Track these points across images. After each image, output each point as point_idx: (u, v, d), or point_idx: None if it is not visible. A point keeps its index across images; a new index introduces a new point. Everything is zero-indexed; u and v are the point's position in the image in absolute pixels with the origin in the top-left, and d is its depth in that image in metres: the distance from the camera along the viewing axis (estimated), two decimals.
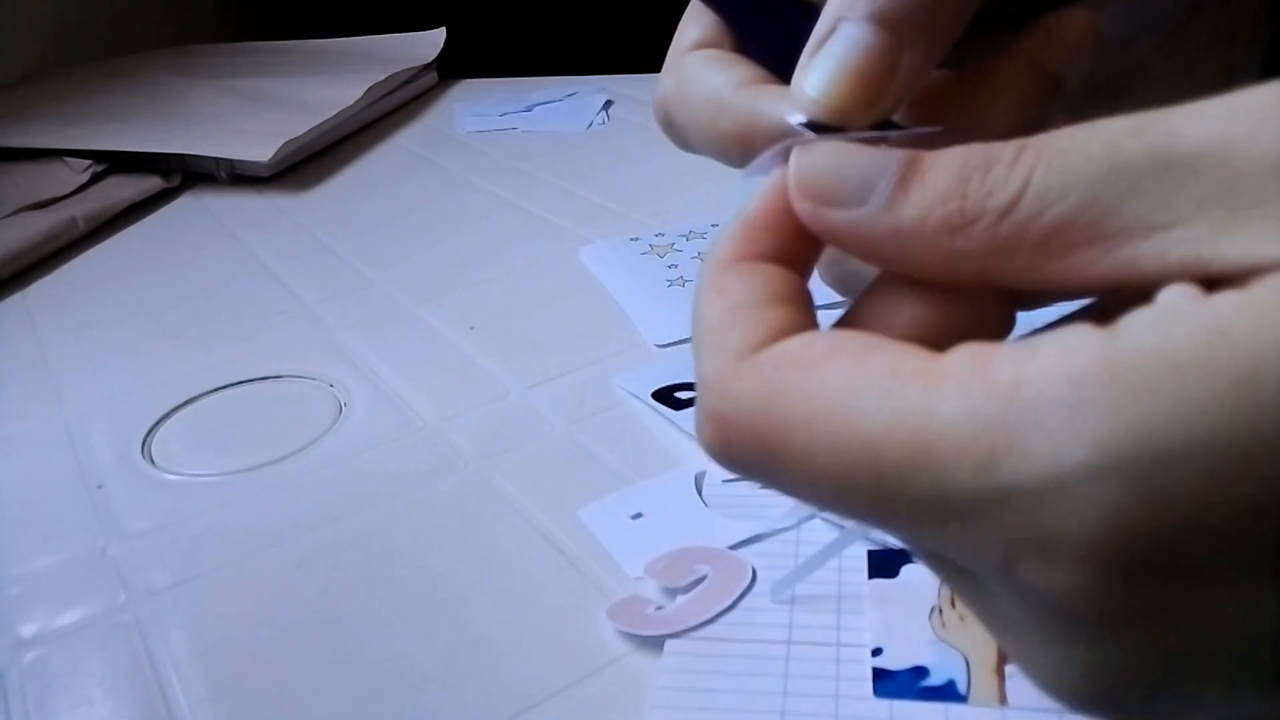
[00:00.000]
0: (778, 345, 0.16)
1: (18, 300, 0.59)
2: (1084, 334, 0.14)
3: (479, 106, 0.87)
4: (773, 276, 0.18)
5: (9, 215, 0.66)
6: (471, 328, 0.49)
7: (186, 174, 0.75)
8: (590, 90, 0.86)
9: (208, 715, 0.29)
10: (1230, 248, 0.14)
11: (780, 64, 0.24)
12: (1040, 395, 0.14)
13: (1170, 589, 0.13)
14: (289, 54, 0.99)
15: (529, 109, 0.84)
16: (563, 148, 0.75)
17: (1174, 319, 0.13)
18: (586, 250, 0.55)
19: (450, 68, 0.96)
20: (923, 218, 0.16)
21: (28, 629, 0.33)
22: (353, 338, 0.49)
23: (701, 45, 0.25)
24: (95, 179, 0.72)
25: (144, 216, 0.70)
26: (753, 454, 0.16)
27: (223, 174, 0.74)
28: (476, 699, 0.28)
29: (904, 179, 0.17)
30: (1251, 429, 0.12)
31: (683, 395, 0.40)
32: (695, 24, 0.26)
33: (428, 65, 0.93)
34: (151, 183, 0.73)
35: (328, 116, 0.78)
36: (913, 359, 0.15)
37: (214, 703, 0.29)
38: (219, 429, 0.43)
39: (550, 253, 0.57)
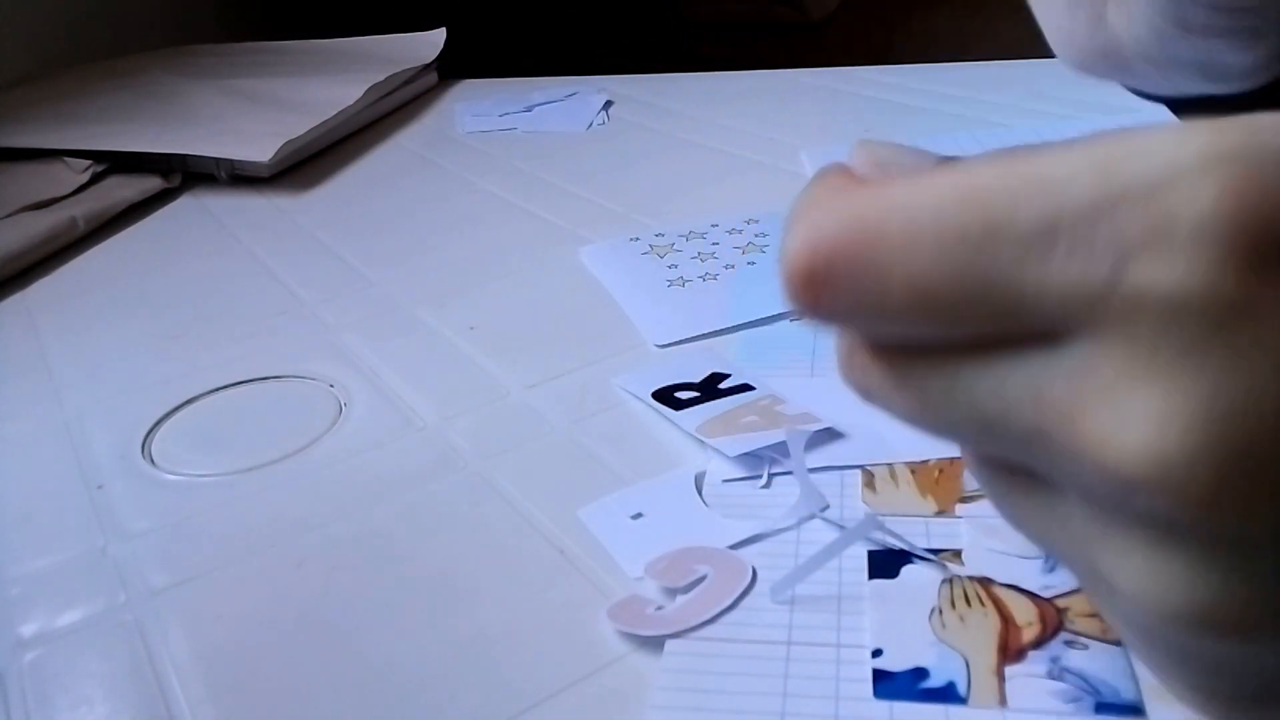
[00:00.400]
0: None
1: (18, 300, 0.59)
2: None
3: (479, 106, 0.87)
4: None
5: (9, 215, 0.66)
6: (471, 328, 0.49)
7: (186, 174, 0.75)
8: (590, 90, 0.86)
9: (208, 715, 0.29)
10: None
11: None
12: (1149, 131, 0.14)
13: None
14: (289, 54, 0.99)
15: (529, 109, 0.84)
16: (563, 148, 0.75)
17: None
18: (586, 250, 0.55)
19: (450, 68, 0.96)
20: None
21: (28, 629, 0.33)
22: (353, 338, 0.49)
23: None
24: (95, 179, 0.72)
25: (144, 216, 0.70)
26: (842, 244, 0.16)
27: (223, 174, 0.74)
28: (477, 699, 0.28)
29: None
30: None
31: (683, 395, 0.40)
32: None
33: (428, 65, 0.93)
34: (151, 183, 0.73)
35: (328, 116, 0.78)
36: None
37: (214, 703, 0.29)
38: (219, 429, 0.43)
39: (550, 253, 0.57)
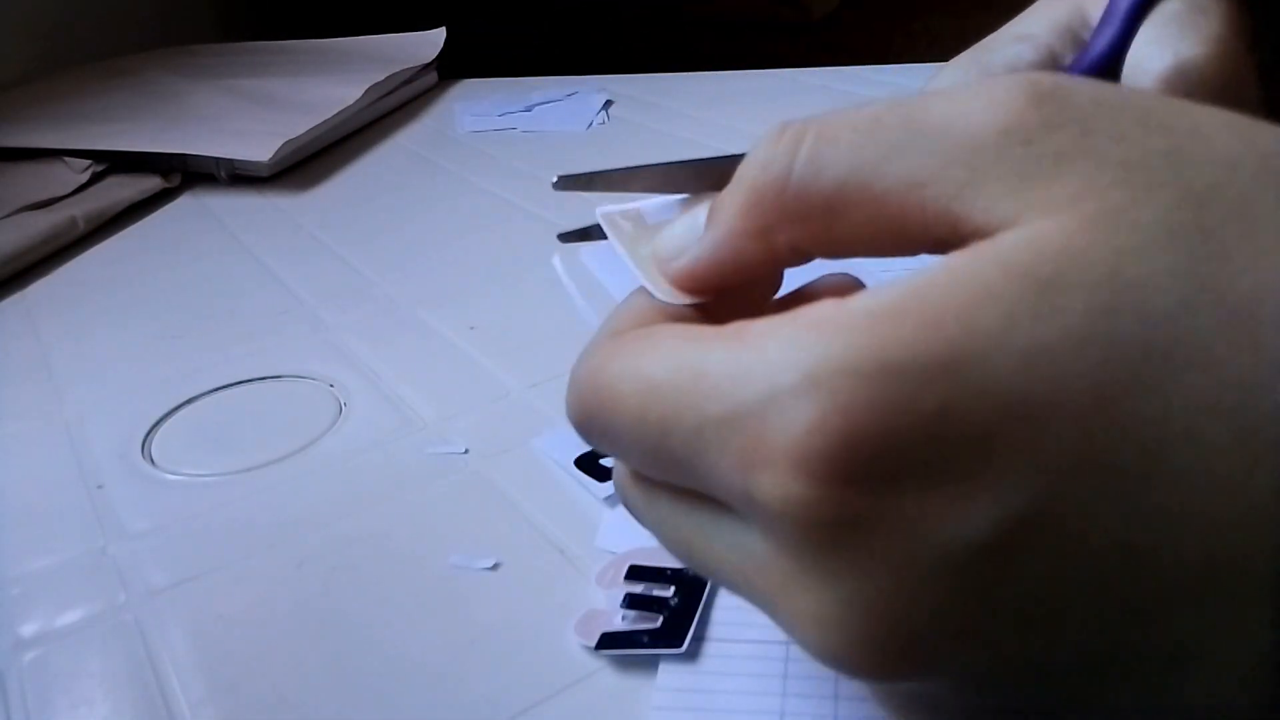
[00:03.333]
0: (630, 331, 0.20)
1: (18, 300, 0.59)
2: (826, 302, 0.16)
3: (479, 106, 0.87)
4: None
5: (9, 215, 0.66)
6: (471, 328, 0.49)
7: (186, 174, 0.75)
8: (590, 90, 0.86)
9: (208, 715, 0.29)
10: (974, 204, 0.16)
11: None
12: (773, 340, 0.16)
13: (879, 498, 0.15)
14: (289, 54, 0.99)
15: (529, 109, 0.84)
16: (563, 148, 0.75)
17: (889, 285, 0.16)
18: (586, 250, 0.55)
19: (450, 68, 0.96)
20: (731, 214, 0.20)
21: (28, 629, 0.33)
22: (353, 338, 0.49)
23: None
24: (95, 179, 0.72)
25: (144, 216, 0.70)
26: (585, 403, 0.20)
27: (223, 174, 0.74)
28: (478, 698, 0.28)
29: (716, 203, 0.20)
30: (933, 357, 0.15)
31: (608, 463, 0.37)
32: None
33: (428, 65, 0.93)
34: (151, 183, 0.73)
35: (328, 116, 0.78)
36: (705, 329, 0.18)
37: (214, 703, 0.29)
38: (219, 429, 0.43)
39: (550, 253, 0.57)
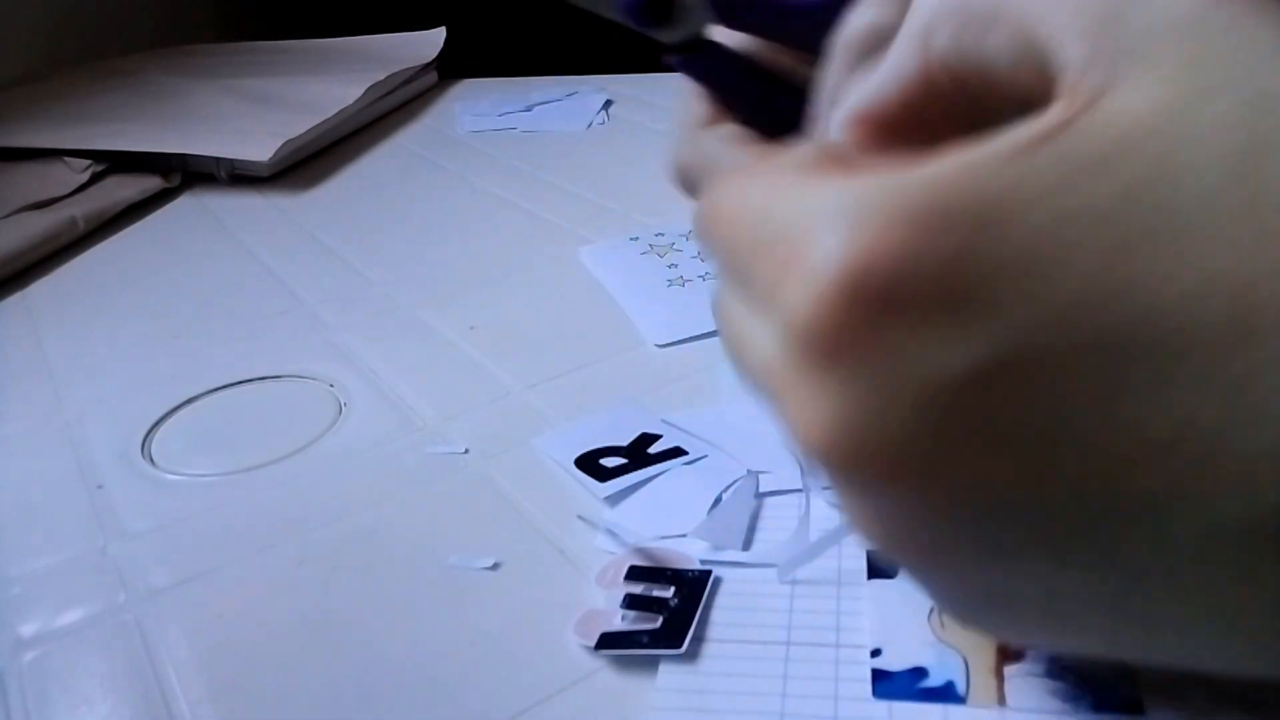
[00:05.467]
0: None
1: (18, 300, 0.59)
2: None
3: (479, 106, 0.87)
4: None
5: (9, 215, 0.66)
6: (471, 328, 0.49)
7: (186, 174, 0.75)
8: (590, 90, 0.86)
9: (208, 715, 0.29)
10: (1071, 59, 0.18)
11: (768, 131, 0.33)
12: (843, 174, 0.19)
13: (883, 321, 0.17)
14: (289, 54, 0.99)
15: (529, 109, 0.84)
16: (563, 148, 0.75)
17: (974, 143, 0.17)
18: (586, 250, 0.55)
19: (450, 68, 0.96)
20: (897, 37, 0.22)
21: (28, 629, 0.33)
22: (353, 338, 0.49)
23: (712, 121, 0.35)
24: (95, 179, 0.72)
25: (144, 216, 0.70)
26: (700, 220, 0.22)
27: (223, 174, 0.74)
28: (478, 697, 0.28)
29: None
30: (969, 209, 0.16)
31: (608, 462, 0.37)
32: (699, 100, 0.36)
33: (428, 65, 0.93)
34: (151, 183, 0.73)
35: (328, 116, 0.78)
36: (805, 152, 0.21)
37: (214, 703, 0.29)
38: (219, 429, 0.43)
39: (550, 253, 0.57)
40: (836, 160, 0.20)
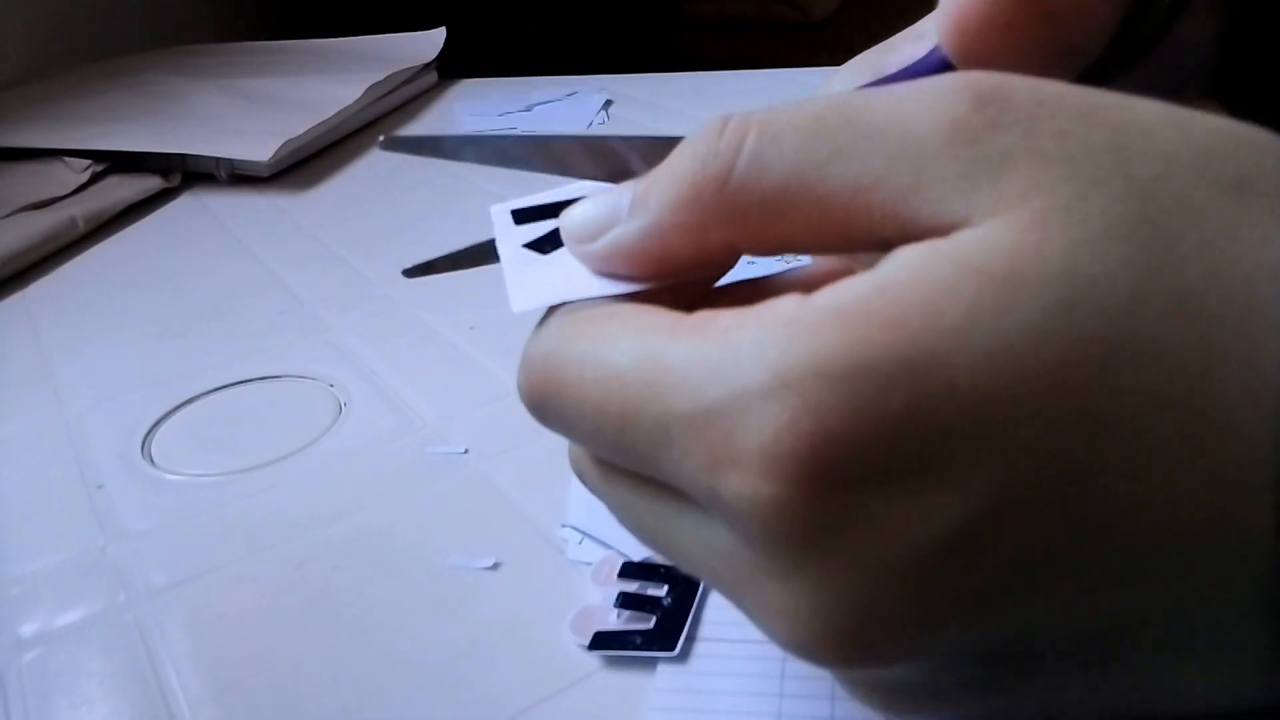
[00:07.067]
0: (585, 310, 0.20)
1: (18, 300, 0.59)
2: (790, 298, 0.16)
3: (479, 106, 0.87)
4: None
5: (9, 215, 0.66)
6: (471, 328, 0.49)
7: (186, 174, 0.75)
8: (590, 90, 0.86)
9: (208, 715, 0.29)
10: (921, 206, 0.16)
11: None
12: (742, 337, 0.16)
13: (849, 499, 0.15)
14: (289, 54, 0.99)
15: (529, 109, 0.84)
16: None
17: (850, 282, 0.16)
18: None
19: (450, 68, 0.96)
20: (663, 205, 0.19)
21: (28, 629, 0.33)
22: (353, 338, 0.50)
23: None
24: (95, 179, 0.72)
25: (144, 216, 0.70)
26: (540, 387, 0.19)
27: (223, 174, 0.74)
28: (477, 698, 0.28)
29: (643, 190, 0.20)
30: (899, 357, 0.15)
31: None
32: None
33: (428, 65, 0.93)
34: (151, 183, 0.73)
35: (327, 116, 0.78)
36: (667, 317, 0.18)
37: (214, 703, 0.29)
38: (219, 429, 0.43)
39: None
40: (690, 319, 0.18)
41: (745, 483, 0.16)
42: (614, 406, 0.18)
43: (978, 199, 0.16)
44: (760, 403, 0.15)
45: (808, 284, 0.20)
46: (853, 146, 0.17)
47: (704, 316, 0.17)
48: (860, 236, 0.17)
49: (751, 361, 0.16)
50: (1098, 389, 0.15)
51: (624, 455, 0.18)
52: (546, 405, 0.19)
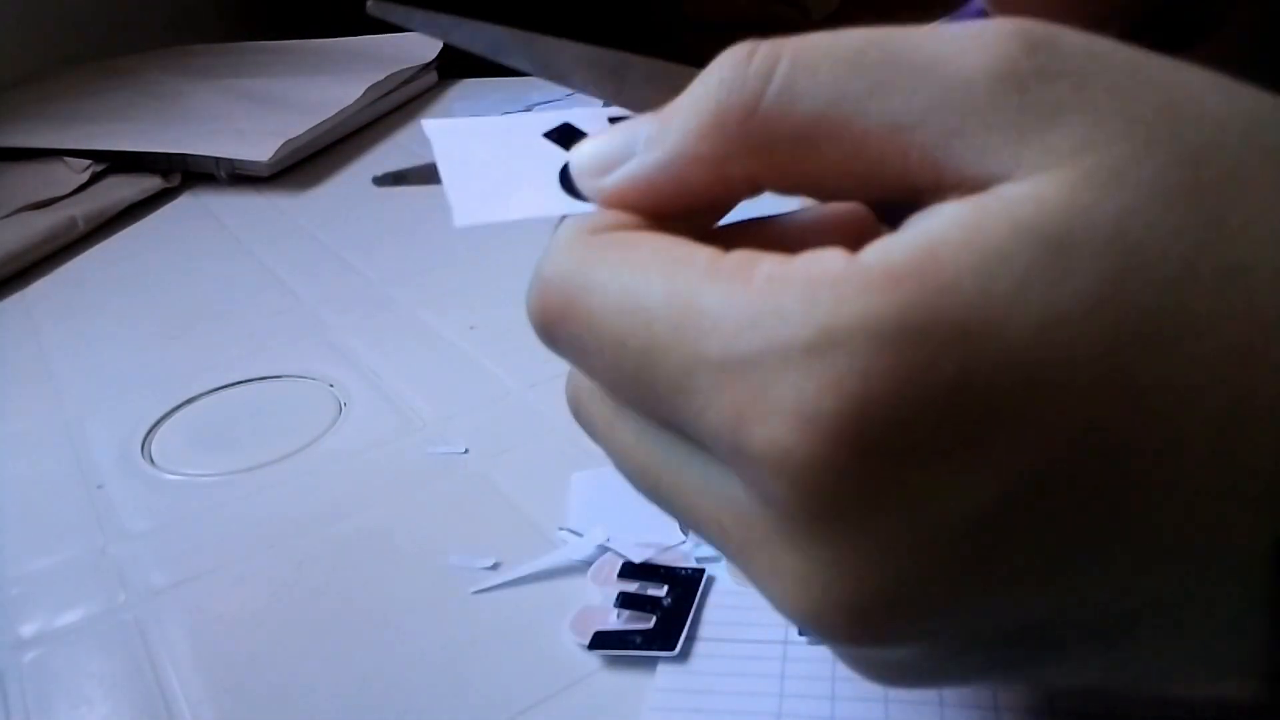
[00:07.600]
0: (610, 230, 0.18)
1: (18, 300, 0.59)
2: (835, 253, 0.15)
3: (479, 106, 0.87)
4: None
5: (9, 215, 0.66)
6: (471, 328, 0.49)
7: (186, 174, 0.75)
8: None
9: (208, 715, 0.29)
10: (964, 154, 0.15)
11: None
12: (787, 289, 0.15)
13: (887, 468, 0.15)
14: (289, 54, 0.99)
15: (529, 109, 0.84)
16: None
17: (898, 240, 0.15)
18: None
19: (450, 68, 0.96)
20: (684, 135, 0.18)
21: (28, 629, 0.33)
22: (353, 338, 0.50)
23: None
24: (95, 179, 0.72)
25: (144, 216, 0.70)
26: (557, 309, 0.18)
27: (223, 174, 0.74)
28: (476, 698, 0.28)
29: (663, 119, 0.18)
30: (950, 324, 0.14)
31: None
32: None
33: (427, 65, 0.93)
34: (151, 183, 0.73)
35: (327, 116, 0.78)
36: (703, 252, 0.17)
37: (214, 703, 0.29)
38: (219, 429, 0.43)
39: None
40: (726, 260, 0.16)
41: (776, 439, 0.15)
42: (637, 342, 0.16)
43: (1025, 152, 0.15)
44: (803, 358, 0.15)
45: (822, 230, 0.19)
46: (894, 83, 0.16)
47: (742, 259, 0.16)
48: (892, 181, 0.16)
49: (798, 316, 0.15)
50: (1146, 365, 0.14)
51: (639, 395, 0.17)
52: (559, 329, 0.18)
